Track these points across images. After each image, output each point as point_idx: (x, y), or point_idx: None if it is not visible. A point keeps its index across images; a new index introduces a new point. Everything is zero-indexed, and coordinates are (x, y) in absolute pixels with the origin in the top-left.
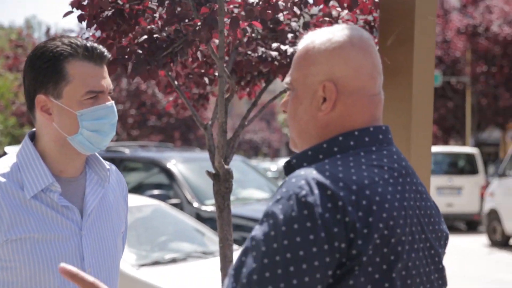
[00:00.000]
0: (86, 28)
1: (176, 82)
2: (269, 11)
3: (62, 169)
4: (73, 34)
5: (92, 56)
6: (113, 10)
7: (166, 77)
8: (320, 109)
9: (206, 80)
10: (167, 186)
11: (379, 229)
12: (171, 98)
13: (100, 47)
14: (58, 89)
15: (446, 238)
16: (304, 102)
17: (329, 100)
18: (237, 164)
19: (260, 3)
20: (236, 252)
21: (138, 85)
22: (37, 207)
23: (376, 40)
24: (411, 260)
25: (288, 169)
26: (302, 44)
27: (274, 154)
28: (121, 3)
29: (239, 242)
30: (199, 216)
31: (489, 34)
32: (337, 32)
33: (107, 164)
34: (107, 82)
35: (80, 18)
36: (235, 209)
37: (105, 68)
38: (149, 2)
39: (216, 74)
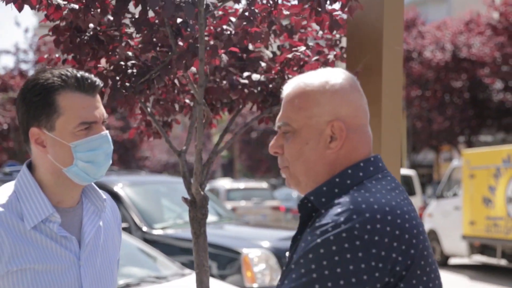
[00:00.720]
0: (62, 53)
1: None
2: (246, 40)
3: (60, 200)
4: (9, 55)
5: (83, 86)
6: (90, 35)
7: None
8: (328, 147)
9: (176, 107)
10: None
11: (413, 244)
12: (135, 125)
13: (91, 76)
14: (50, 122)
15: None
16: (310, 142)
17: (340, 138)
18: (182, 186)
19: (239, 32)
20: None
21: None
22: (37, 238)
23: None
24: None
25: (305, 205)
26: (291, 87)
27: (210, 176)
28: (98, 28)
29: (190, 266)
30: (148, 241)
31: (422, 59)
32: (331, 75)
33: (103, 193)
34: (100, 111)
35: (57, 43)
36: (184, 232)
37: (98, 98)
38: (126, 28)
39: (187, 101)
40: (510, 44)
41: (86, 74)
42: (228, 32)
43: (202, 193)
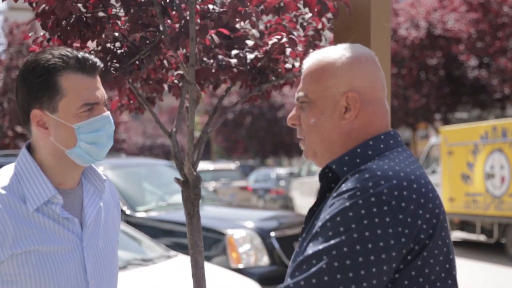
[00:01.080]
0: (49, 36)
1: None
2: (237, 19)
3: (61, 181)
4: None
5: (84, 67)
6: (76, 17)
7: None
8: (343, 118)
9: (166, 86)
10: None
11: (435, 213)
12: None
13: (92, 57)
14: (53, 104)
15: None
16: (325, 112)
17: (354, 109)
18: (163, 169)
19: (229, 11)
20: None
21: None
22: (40, 219)
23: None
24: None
25: (326, 175)
26: (311, 60)
27: None
28: (84, 10)
29: (173, 248)
30: (131, 223)
31: (397, 37)
32: (348, 49)
33: (102, 174)
34: (101, 92)
35: (43, 26)
36: (167, 215)
37: (98, 79)
38: (113, 10)
39: (175, 81)
40: (485, 20)
41: (87, 55)
42: (217, 11)
43: (194, 173)
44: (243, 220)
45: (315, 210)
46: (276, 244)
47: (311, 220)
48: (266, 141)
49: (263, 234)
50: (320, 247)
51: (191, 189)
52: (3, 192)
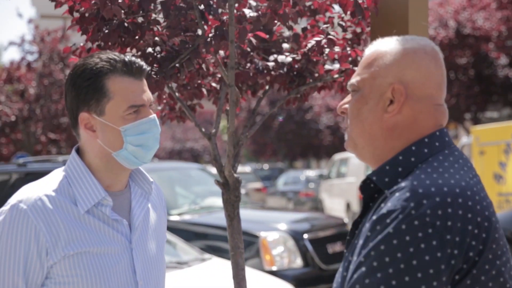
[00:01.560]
0: (87, 41)
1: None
2: (274, 21)
3: (109, 184)
4: (15, 47)
5: (131, 70)
6: (117, 22)
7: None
8: (386, 111)
9: (204, 91)
10: None
11: (485, 227)
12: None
13: (138, 60)
14: (100, 106)
15: None
16: (370, 102)
17: (397, 102)
18: (195, 172)
19: (268, 13)
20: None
21: None
22: (91, 221)
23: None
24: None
25: (368, 186)
26: (370, 49)
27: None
28: (124, 16)
29: (207, 251)
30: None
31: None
32: (409, 40)
33: (149, 177)
34: (148, 95)
35: (84, 32)
36: (201, 218)
37: (145, 81)
38: (153, 15)
39: (213, 84)
40: None
41: (133, 58)
42: (255, 14)
43: (235, 175)
44: (276, 223)
45: (359, 222)
46: (309, 246)
47: (354, 233)
48: (294, 143)
49: (296, 236)
50: (367, 281)
51: (232, 191)
52: (54, 195)
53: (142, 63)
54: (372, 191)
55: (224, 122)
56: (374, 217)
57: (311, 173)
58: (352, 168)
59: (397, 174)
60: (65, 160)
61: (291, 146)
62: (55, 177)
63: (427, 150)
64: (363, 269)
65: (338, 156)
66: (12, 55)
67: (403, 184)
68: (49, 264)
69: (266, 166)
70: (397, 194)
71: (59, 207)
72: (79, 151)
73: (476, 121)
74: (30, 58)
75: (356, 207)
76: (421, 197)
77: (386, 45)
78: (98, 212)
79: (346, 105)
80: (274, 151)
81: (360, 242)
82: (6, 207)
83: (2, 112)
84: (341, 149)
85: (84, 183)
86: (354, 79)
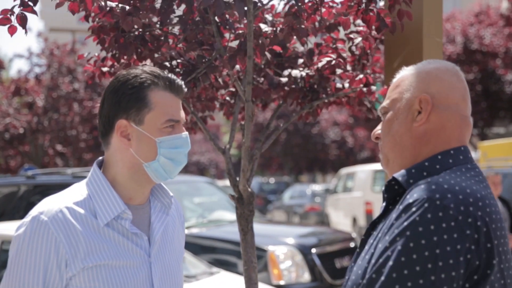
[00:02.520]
0: (103, 51)
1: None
2: (291, 37)
3: (131, 197)
4: (23, 60)
5: (173, 87)
6: (135, 35)
7: None
8: (415, 121)
9: (217, 104)
10: None
11: (497, 235)
12: None
13: (179, 80)
14: (140, 116)
15: None
16: (400, 117)
17: (425, 111)
18: (203, 185)
19: (285, 29)
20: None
21: (90, 109)
22: (110, 234)
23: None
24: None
25: (392, 187)
26: (397, 76)
27: (221, 175)
28: (140, 29)
29: (215, 265)
30: None
31: None
32: (432, 61)
33: (169, 191)
34: (183, 114)
35: (101, 42)
36: (209, 231)
37: (181, 101)
38: (169, 28)
39: (227, 98)
40: None
41: (174, 76)
42: (271, 30)
43: (249, 189)
44: (284, 237)
45: (376, 222)
46: (317, 261)
47: (371, 232)
48: (300, 157)
49: (304, 250)
50: (391, 263)
51: (246, 205)
52: (75, 207)
53: (182, 82)
54: (395, 192)
55: (226, 137)
56: (401, 207)
57: (317, 187)
58: (359, 183)
59: (421, 178)
60: (73, 173)
61: (297, 160)
62: (76, 189)
63: (452, 160)
64: (388, 253)
65: (344, 171)
66: (20, 67)
67: (429, 179)
68: (68, 276)
69: (272, 180)
70: (422, 186)
71: (79, 219)
72: (101, 165)
73: (483, 136)
74: (38, 70)
75: (362, 221)
76: (446, 191)
77: (411, 69)
78: (118, 225)
79: (379, 131)
80: (280, 165)
81: (385, 237)
82: (28, 218)
83: (10, 124)
84: (347, 163)
85: (105, 196)
86: (384, 103)
